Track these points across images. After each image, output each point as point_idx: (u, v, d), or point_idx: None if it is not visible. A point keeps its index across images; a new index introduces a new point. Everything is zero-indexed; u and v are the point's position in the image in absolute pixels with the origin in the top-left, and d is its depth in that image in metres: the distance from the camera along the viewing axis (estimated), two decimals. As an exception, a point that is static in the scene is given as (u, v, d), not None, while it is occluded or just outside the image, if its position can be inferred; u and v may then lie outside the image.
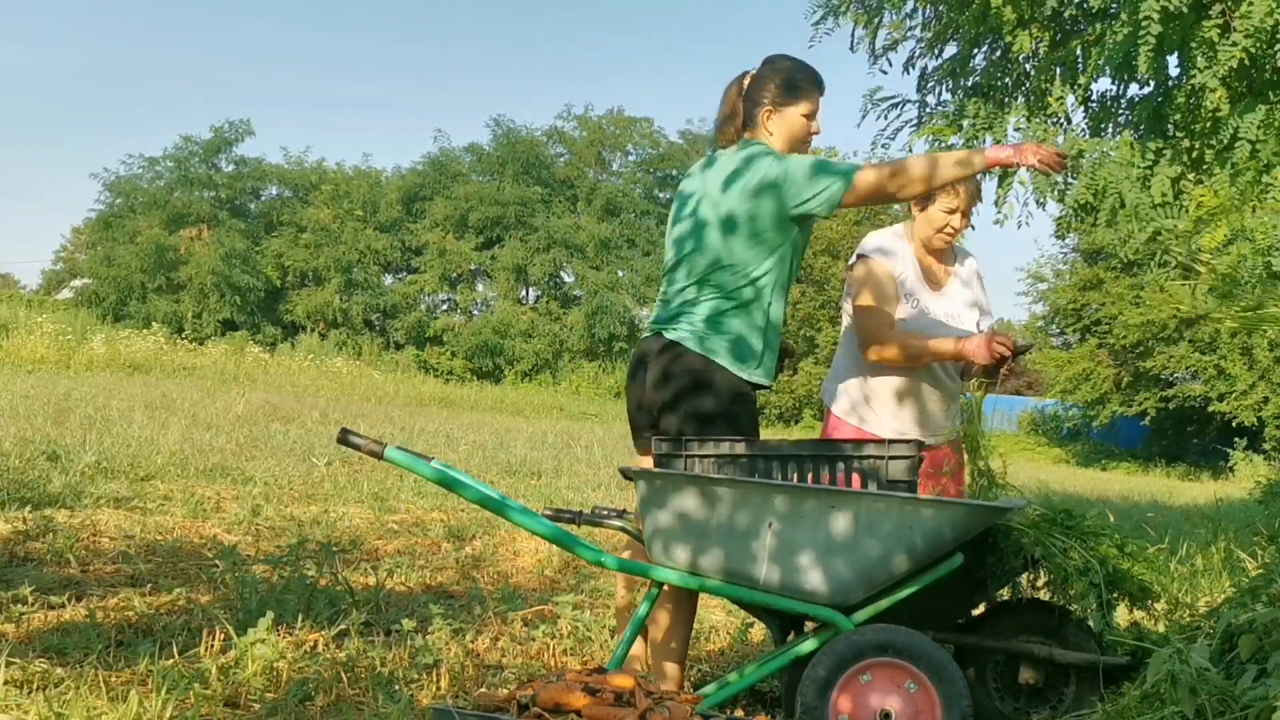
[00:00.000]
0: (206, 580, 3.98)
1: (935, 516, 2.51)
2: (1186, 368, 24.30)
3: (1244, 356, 23.08)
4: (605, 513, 2.86)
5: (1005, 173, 5.67)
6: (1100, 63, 5.02)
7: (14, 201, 76.16)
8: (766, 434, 3.16)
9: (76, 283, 32.45)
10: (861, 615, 2.56)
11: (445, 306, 32.26)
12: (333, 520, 5.63)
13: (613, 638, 3.46)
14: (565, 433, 14.24)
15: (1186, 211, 4.83)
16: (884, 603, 2.56)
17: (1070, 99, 5.60)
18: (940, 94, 6.11)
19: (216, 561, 4.17)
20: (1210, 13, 4.69)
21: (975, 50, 5.99)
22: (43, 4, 67.61)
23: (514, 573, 4.78)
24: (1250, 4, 4.43)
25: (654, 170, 32.52)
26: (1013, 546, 2.68)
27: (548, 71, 68.59)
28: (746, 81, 3.02)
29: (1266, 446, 22.57)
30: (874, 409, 3.40)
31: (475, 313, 31.35)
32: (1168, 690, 2.24)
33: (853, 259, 3.49)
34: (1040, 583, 2.87)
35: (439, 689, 2.93)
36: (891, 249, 3.41)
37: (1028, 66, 5.84)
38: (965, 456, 3.05)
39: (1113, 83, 5.59)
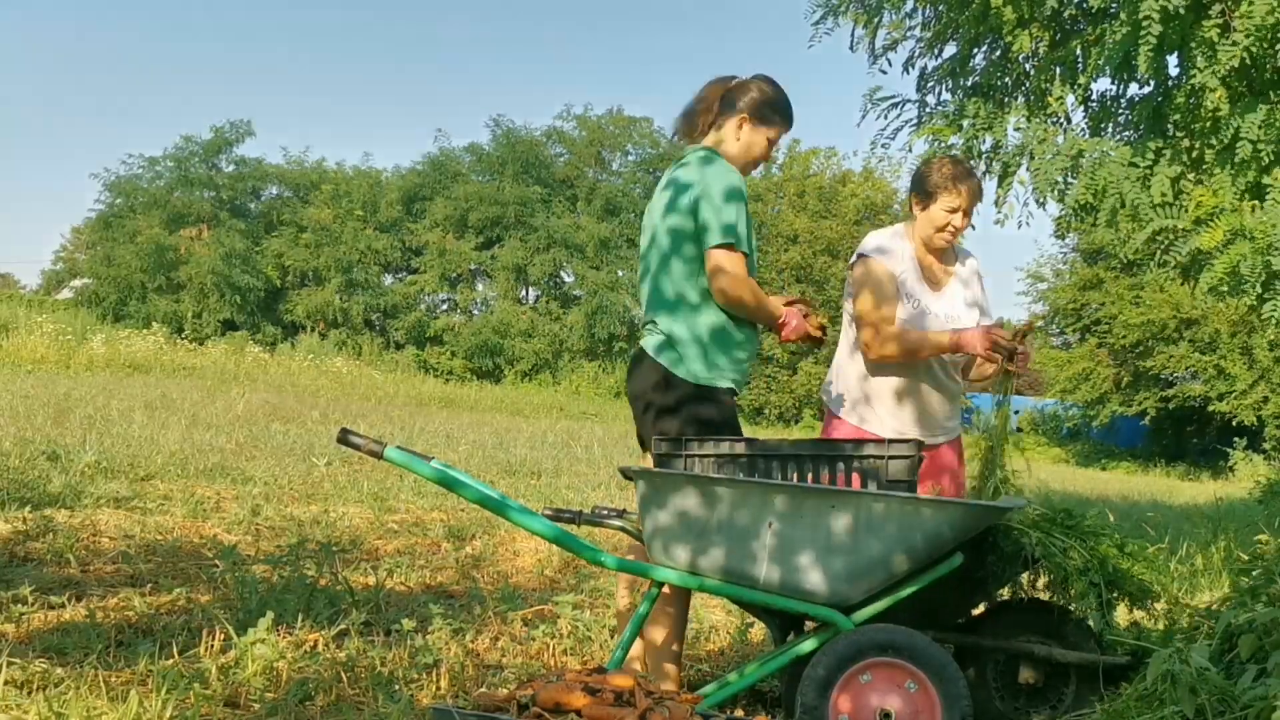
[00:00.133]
0: (206, 580, 3.98)
1: (935, 516, 2.51)
2: (1186, 367, 24.30)
3: (1244, 356, 23.11)
4: (605, 513, 2.86)
5: (1005, 172, 5.67)
6: (1100, 62, 5.01)
7: (14, 201, 76.14)
8: (766, 434, 3.16)
9: (76, 283, 32.42)
10: (861, 615, 2.56)
11: (445, 306, 32.24)
12: (333, 520, 5.63)
13: (612, 638, 3.46)
14: (565, 432, 14.24)
15: (1186, 211, 4.83)
16: (884, 602, 2.56)
17: (1070, 99, 5.59)
18: (940, 94, 6.10)
19: (216, 561, 4.17)
20: (1210, 12, 4.68)
21: (975, 50, 5.99)
22: (43, 4, 67.61)
23: (514, 573, 4.78)
24: (1251, 3, 4.42)
25: (653, 170, 32.48)
26: (1013, 546, 2.68)
27: (547, 71, 68.61)
28: (732, 85, 3.10)
29: (1266, 446, 22.59)
30: (874, 408, 3.40)
31: (475, 313, 31.33)
32: (1167, 690, 2.24)
33: (853, 259, 3.49)
34: (1040, 583, 2.88)
35: (439, 689, 2.93)
36: (891, 249, 3.41)
37: (1027, 66, 5.84)
38: (975, 456, 3.06)
39: (1112, 82, 5.58)
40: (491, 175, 31.30)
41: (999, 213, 5.74)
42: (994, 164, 5.76)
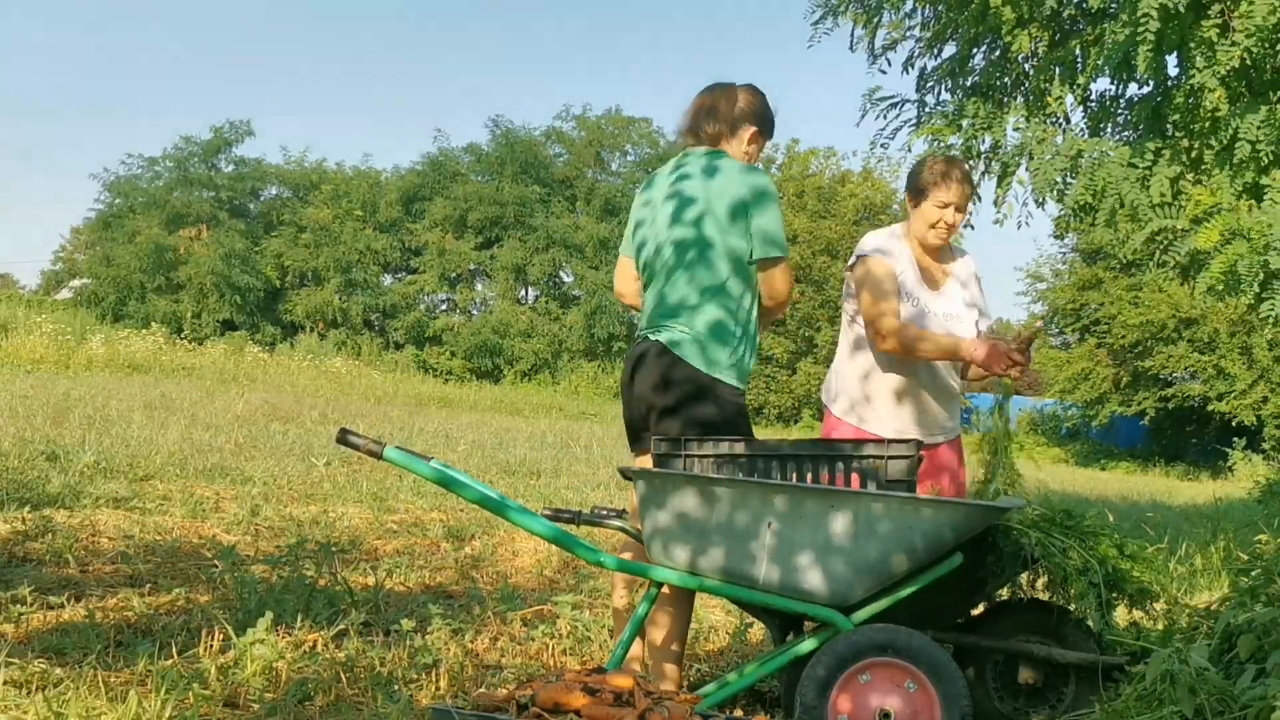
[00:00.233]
0: (206, 580, 3.98)
1: (934, 516, 2.51)
2: (1185, 367, 24.30)
3: (1243, 356, 23.11)
4: (604, 513, 2.86)
5: (1004, 172, 5.67)
6: (1099, 62, 5.02)
7: (14, 201, 76.09)
8: (767, 434, 3.16)
9: (76, 283, 32.40)
10: (861, 615, 2.56)
11: (444, 306, 32.23)
12: (332, 520, 5.63)
13: (612, 638, 3.46)
14: (564, 432, 14.24)
15: (1184, 211, 4.83)
16: (883, 602, 2.56)
17: (1069, 99, 5.60)
18: (939, 94, 6.11)
19: (216, 561, 4.17)
20: (1210, 12, 4.69)
21: (974, 50, 5.99)
22: (43, 4, 67.63)
23: (513, 573, 4.78)
24: (1250, 3, 4.42)
25: (653, 170, 32.48)
26: (1012, 546, 2.68)
27: (547, 71, 68.63)
28: (739, 96, 3.11)
29: (1266, 446, 22.59)
30: (873, 408, 3.40)
31: (474, 313, 31.32)
32: (1167, 690, 2.24)
33: (852, 259, 3.50)
34: (1040, 583, 2.87)
35: (438, 689, 2.93)
36: (889, 249, 3.41)
37: (1027, 66, 5.84)
38: (977, 454, 3.06)
39: (1112, 82, 5.59)
40: (491, 175, 31.29)
41: (998, 213, 5.75)
42: (993, 164, 5.77)
